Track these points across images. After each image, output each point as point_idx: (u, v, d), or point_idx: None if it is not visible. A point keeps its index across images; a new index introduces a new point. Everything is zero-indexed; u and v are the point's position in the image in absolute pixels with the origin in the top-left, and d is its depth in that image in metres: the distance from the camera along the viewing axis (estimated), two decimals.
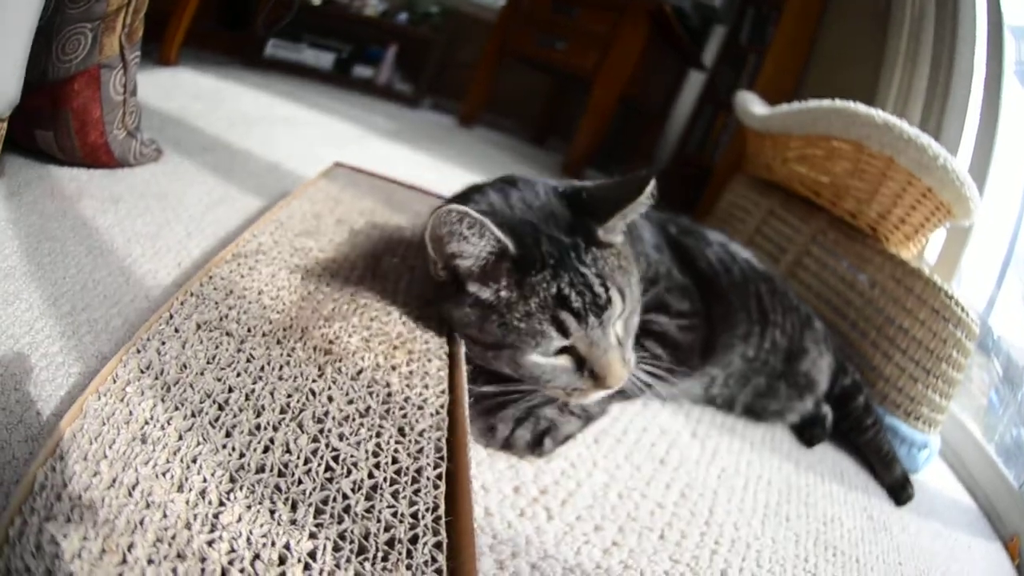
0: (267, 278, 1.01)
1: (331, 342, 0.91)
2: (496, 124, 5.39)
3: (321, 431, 0.73)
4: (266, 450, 0.68)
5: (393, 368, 0.91)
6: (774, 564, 0.99)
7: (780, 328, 1.45)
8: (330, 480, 0.67)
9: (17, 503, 0.53)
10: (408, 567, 0.60)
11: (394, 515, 0.65)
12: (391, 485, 0.69)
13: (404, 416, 0.81)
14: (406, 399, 0.85)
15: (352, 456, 0.71)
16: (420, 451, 0.76)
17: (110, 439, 0.61)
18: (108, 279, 1.06)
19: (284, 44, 4.56)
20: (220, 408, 0.71)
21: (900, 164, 1.76)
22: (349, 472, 0.69)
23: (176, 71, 3.17)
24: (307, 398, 0.77)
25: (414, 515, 0.66)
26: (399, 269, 1.25)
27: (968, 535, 1.49)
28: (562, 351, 0.94)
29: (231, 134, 2.21)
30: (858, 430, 1.56)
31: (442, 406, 0.87)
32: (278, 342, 0.87)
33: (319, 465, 0.69)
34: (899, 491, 1.44)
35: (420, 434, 0.79)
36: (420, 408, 0.84)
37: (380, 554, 0.61)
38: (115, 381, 0.67)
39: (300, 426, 0.73)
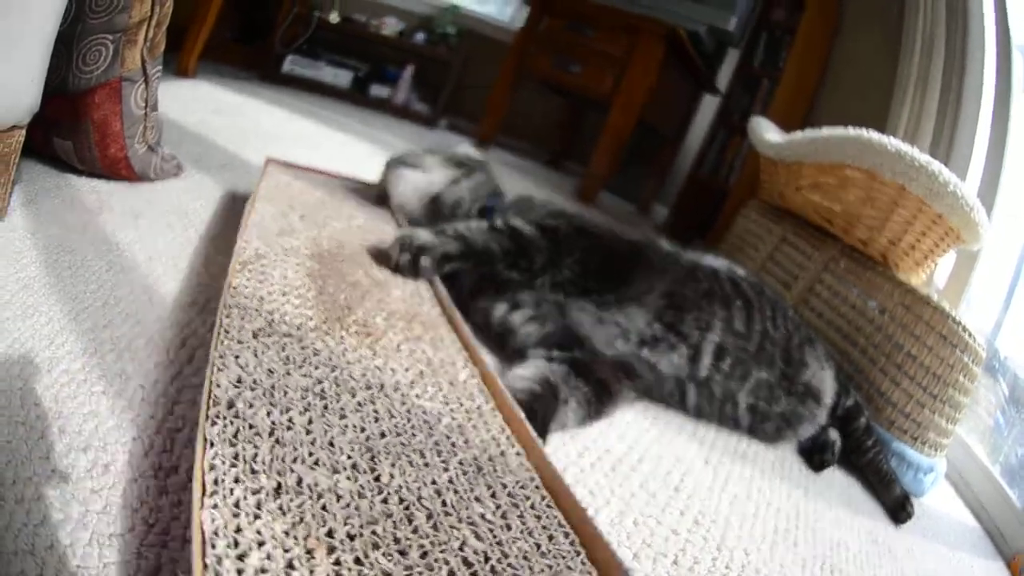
0: (280, 281, 1.02)
1: (364, 325, 0.99)
2: (512, 146, 5.41)
3: (404, 396, 0.84)
4: (376, 419, 0.76)
5: (418, 338, 1.04)
6: None
7: (771, 321, 1.48)
8: (431, 429, 0.79)
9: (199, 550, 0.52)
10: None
11: (483, 440, 0.82)
12: (470, 421, 0.85)
13: (445, 372, 0.96)
14: (440, 360, 0.99)
15: (436, 409, 0.84)
16: (471, 395, 0.93)
17: (251, 453, 0.62)
18: (130, 297, 1.06)
19: (302, 61, 4.60)
20: (321, 397, 0.76)
21: (911, 192, 1.76)
22: (440, 420, 0.82)
23: (194, 84, 3.20)
24: (377, 372, 0.87)
25: (494, 438, 0.84)
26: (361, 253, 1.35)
27: (971, 556, 1.50)
28: None
29: (249, 151, 2.22)
30: (859, 451, 1.58)
31: (465, 359, 1.04)
32: (326, 334, 0.91)
33: (419, 420, 0.80)
34: (898, 511, 1.45)
35: (464, 383, 0.95)
36: (453, 364, 1.00)
37: (489, 467, 0.76)
38: (216, 404, 0.67)
39: (387, 395, 0.82)
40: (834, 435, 1.55)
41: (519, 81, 4.51)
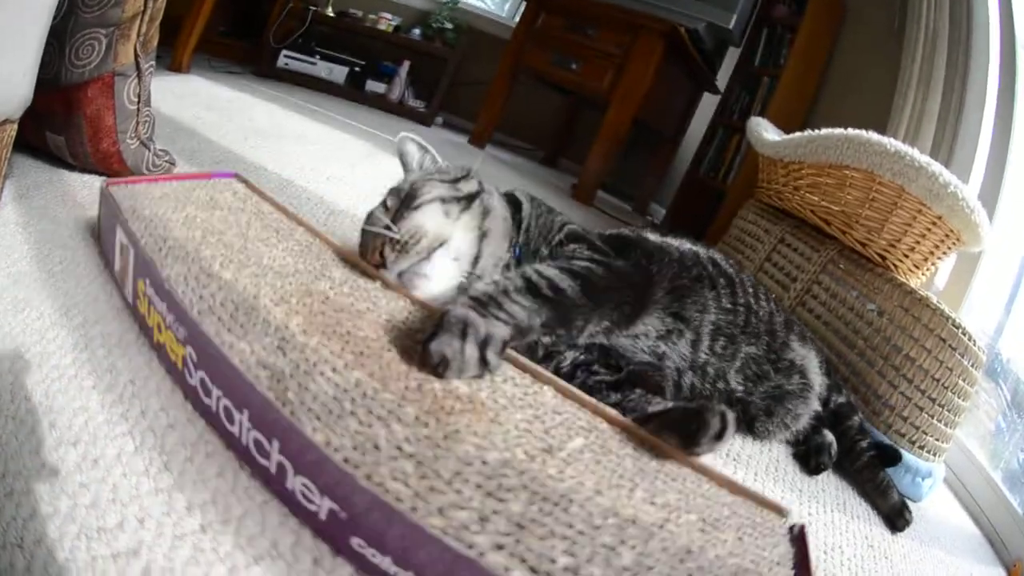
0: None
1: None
2: (508, 144, 5.41)
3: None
4: None
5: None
6: None
7: (753, 297, 1.50)
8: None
9: None
10: None
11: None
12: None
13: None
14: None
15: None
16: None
17: None
18: (121, 292, 1.05)
19: (297, 56, 4.58)
20: None
21: (911, 192, 1.76)
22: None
23: (188, 78, 3.20)
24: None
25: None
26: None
27: (970, 562, 1.49)
28: None
29: (244, 147, 2.22)
30: (853, 454, 1.55)
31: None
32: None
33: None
34: (896, 518, 1.42)
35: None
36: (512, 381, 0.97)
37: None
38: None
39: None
40: (830, 437, 1.54)
41: (516, 78, 4.51)
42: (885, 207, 1.85)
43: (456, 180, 1.29)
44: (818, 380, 1.55)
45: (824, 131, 2.03)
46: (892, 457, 1.56)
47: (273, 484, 0.72)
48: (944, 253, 1.88)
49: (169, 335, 0.85)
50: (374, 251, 1.13)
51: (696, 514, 0.80)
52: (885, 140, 1.79)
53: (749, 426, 1.49)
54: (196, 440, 0.77)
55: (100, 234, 1.18)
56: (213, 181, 1.38)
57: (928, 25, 2.90)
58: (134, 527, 0.64)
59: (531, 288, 1.04)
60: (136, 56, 1.46)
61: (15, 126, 1.16)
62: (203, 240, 1.06)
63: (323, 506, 0.66)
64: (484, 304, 0.97)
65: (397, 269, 1.13)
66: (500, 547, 0.62)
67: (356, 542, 0.64)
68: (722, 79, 4.86)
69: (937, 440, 1.62)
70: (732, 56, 4.79)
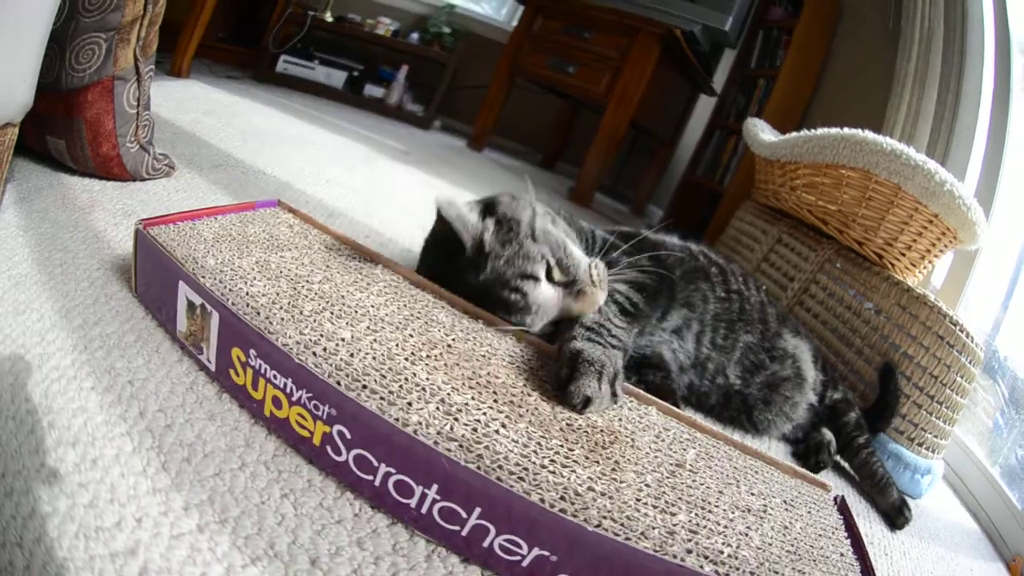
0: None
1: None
2: (506, 147, 5.41)
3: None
4: None
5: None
6: None
7: (744, 284, 1.56)
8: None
9: None
10: None
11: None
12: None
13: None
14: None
15: None
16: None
17: None
18: (120, 294, 1.06)
19: (296, 61, 4.57)
20: None
21: (907, 191, 1.76)
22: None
23: (188, 83, 3.20)
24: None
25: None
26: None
27: (970, 558, 1.48)
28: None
29: (243, 151, 2.22)
30: (851, 450, 1.55)
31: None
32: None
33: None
34: (895, 516, 1.42)
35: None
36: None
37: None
38: None
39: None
40: (829, 435, 1.54)
41: (513, 82, 4.51)
42: (882, 206, 1.85)
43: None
44: (811, 370, 1.56)
45: (820, 131, 2.03)
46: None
47: (459, 543, 0.75)
48: (941, 251, 1.88)
49: (299, 411, 0.80)
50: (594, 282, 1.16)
51: (779, 497, 0.98)
52: (881, 139, 1.79)
53: (748, 416, 1.50)
54: (194, 441, 0.78)
55: (140, 283, 1.07)
56: (259, 212, 1.32)
57: (923, 25, 2.90)
58: (132, 527, 0.64)
59: (621, 308, 1.16)
60: (136, 60, 1.46)
61: (16, 130, 1.16)
62: (296, 292, 0.99)
63: (529, 554, 0.71)
64: (598, 333, 1.08)
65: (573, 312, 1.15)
66: (689, 552, 0.74)
67: None
68: (719, 81, 4.87)
69: (936, 437, 1.62)
70: (728, 58, 4.80)
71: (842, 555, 0.90)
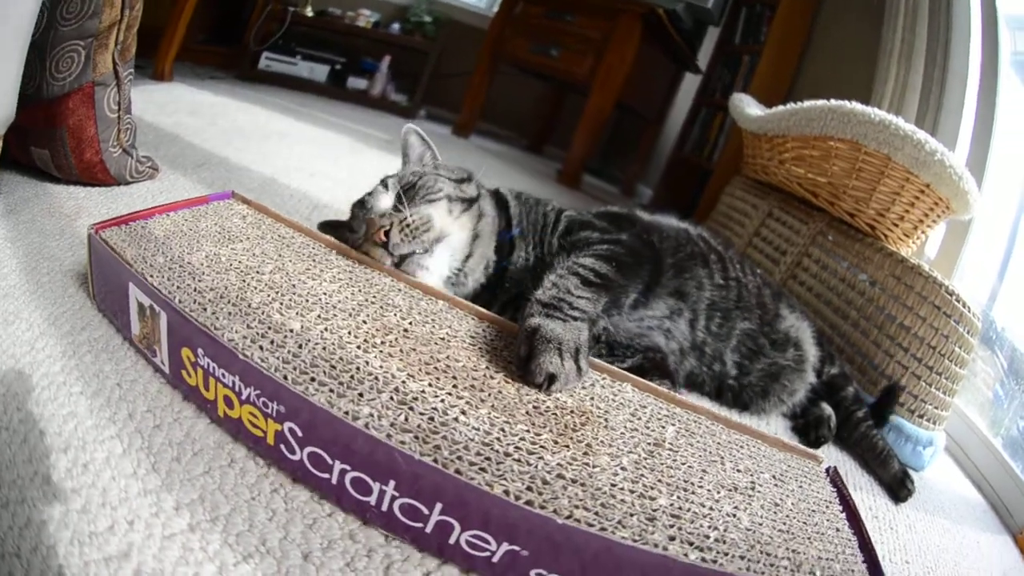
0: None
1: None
2: (492, 133, 5.40)
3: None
4: None
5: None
6: None
7: (741, 270, 1.54)
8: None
9: None
10: None
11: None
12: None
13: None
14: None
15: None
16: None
17: None
18: None
19: (278, 57, 4.56)
20: None
21: (897, 161, 1.75)
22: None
23: (170, 86, 3.18)
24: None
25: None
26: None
27: (976, 530, 1.48)
28: None
29: (227, 149, 2.21)
30: (850, 424, 1.55)
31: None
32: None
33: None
34: (898, 488, 1.41)
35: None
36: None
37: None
38: None
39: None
40: (828, 410, 1.54)
41: (497, 67, 4.50)
42: (872, 177, 1.85)
43: (461, 181, 1.34)
44: (812, 351, 1.55)
45: (807, 103, 2.03)
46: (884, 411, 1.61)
47: (424, 541, 0.72)
48: (934, 221, 1.88)
49: (250, 410, 0.77)
50: (381, 228, 1.13)
51: (768, 472, 0.94)
52: (869, 110, 1.78)
53: (744, 408, 1.51)
54: (183, 439, 0.77)
55: (96, 289, 1.04)
56: (212, 205, 1.26)
57: None
58: (124, 529, 0.64)
59: (584, 280, 1.11)
60: (115, 65, 1.45)
61: (0, 142, 1.16)
62: (244, 284, 0.96)
63: (499, 550, 0.68)
64: (557, 308, 1.02)
65: (400, 252, 1.14)
66: (672, 539, 0.70)
67: (536, 572, 0.69)
68: (703, 59, 4.84)
69: (936, 408, 1.62)
70: (712, 35, 4.77)
71: (838, 530, 0.87)
